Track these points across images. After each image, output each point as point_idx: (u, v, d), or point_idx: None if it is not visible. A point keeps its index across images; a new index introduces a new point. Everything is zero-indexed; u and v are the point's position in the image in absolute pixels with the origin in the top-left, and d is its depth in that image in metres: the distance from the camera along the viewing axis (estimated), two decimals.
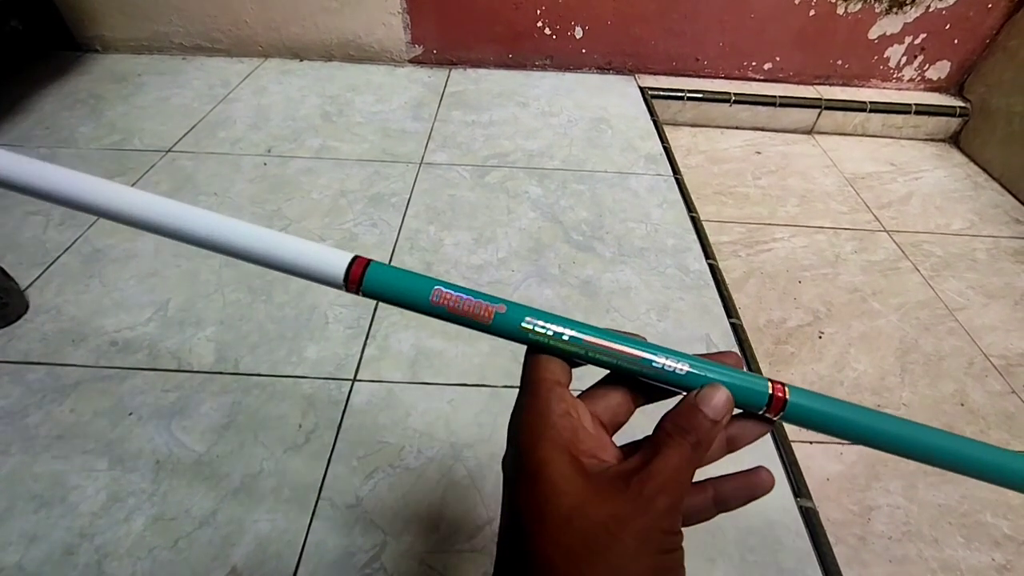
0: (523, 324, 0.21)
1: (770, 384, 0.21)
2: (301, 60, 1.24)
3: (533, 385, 0.21)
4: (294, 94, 1.12)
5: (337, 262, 0.21)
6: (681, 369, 0.21)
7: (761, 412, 0.21)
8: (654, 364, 0.21)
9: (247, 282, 0.69)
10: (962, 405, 0.72)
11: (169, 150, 0.93)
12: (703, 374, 0.21)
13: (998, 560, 0.58)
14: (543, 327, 0.21)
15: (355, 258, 0.21)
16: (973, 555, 0.58)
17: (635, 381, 0.22)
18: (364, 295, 0.22)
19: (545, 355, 0.21)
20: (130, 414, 0.55)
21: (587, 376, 0.23)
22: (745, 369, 0.22)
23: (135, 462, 0.51)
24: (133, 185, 0.85)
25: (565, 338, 0.21)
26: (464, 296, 0.21)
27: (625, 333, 0.22)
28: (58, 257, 0.72)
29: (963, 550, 0.58)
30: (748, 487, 0.21)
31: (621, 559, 0.16)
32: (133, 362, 0.60)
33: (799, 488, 0.52)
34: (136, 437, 0.53)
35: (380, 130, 1.02)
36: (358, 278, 0.21)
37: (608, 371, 0.22)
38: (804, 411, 0.21)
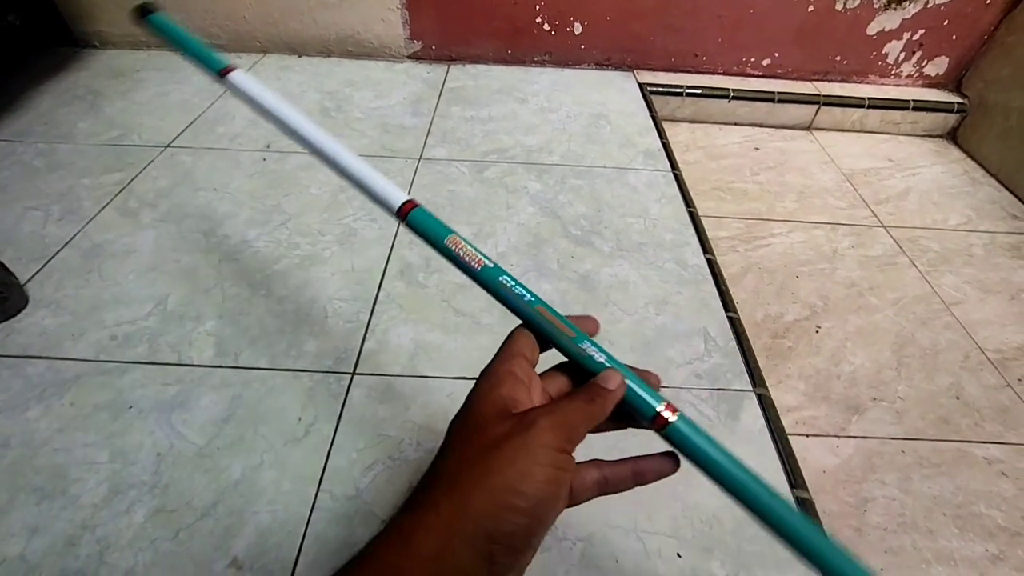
0: (501, 279, 0.28)
1: (664, 404, 0.25)
2: (299, 56, 1.24)
3: (502, 351, 0.26)
4: (293, 90, 1.11)
5: (396, 197, 0.30)
6: (600, 358, 0.26)
7: (647, 422, 0.25)
8: (579, 346, 0.26)
9: (247, 277, 0.69)
10: (957, 398, 0.72)
11: (168, 145, 0.93)
12: (615, 364, 0.26)
13: (991, 550, 0.58)
14: (513, 286, 0.28)
15: (407, 200, 0.30)
16: (967, 545, 0.58)
17: (579, 373, 0.27)
18: (407, 226, 0.30)
19: (522, 332, 0.27)
20: (130, 407, 0.55)
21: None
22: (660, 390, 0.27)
23: (136, 455, 0.51)
24: (131, 182, 0.85)
25: (526, 299, 0.28)
26: (467, 246, 0.29)
27: (580, 322, 0.28)
28: (58, 252, 0.72)
29: (957, 541, 0.59)
30: (659, 467, 0.26)
31: (499, 462, 0.21)
32: (133, 356, 0.60)
33: (795, 479, 0.52)
34: (136, 430, 0.53)
35: (379, 126, 1.02)
36: (405, 214, 0.30)
37: (563, 359, 0.28)
38: (684, 439, 0.24)
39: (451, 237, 0.29)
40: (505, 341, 0.27)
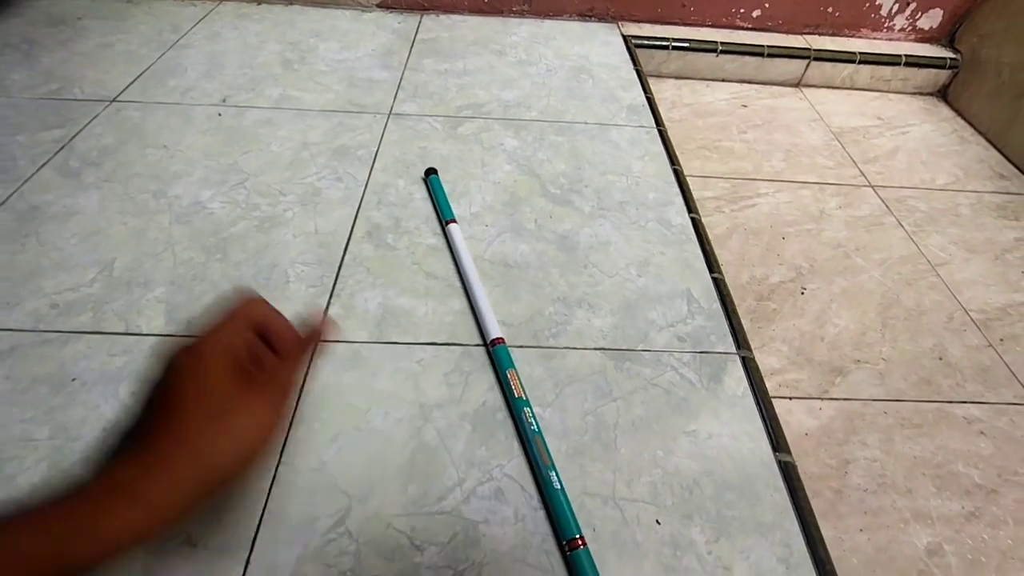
0: (525, 409, 0.47)
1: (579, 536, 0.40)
2: (259, 3, 1.15)
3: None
4: (251, 40, 1.03)
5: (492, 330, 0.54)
6: (552, 478, 0.42)
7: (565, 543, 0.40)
8: (548, 473, 0.43)
9: (200, 240, 0.64)
10: (940, 359, 0.71)
11: (113, 100, 0.86)
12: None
13: (967, 508, 0.58)
14: (531, 415, 0.46)
15: (498, 336, 0.53)
16: (944, 504, 0.58)
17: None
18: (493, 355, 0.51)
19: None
20: (73, 380, 0.51)
21: None
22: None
23: (79, 430, 0.47)
24: (72, 139, 0.78)
25: (533, 428, 0.45)
26: (519, 381, 0.49)
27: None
28: None
29: (935, 499, 0.59)
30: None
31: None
32: (76, 325, 0.55)
33: (777, 442, 0.50)
34: (80, 404, 0.49)
35: (346, 79, 0.95)
36: (494, 345, 0.52)
37: None
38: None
39: (511, 370, 0.49)
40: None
